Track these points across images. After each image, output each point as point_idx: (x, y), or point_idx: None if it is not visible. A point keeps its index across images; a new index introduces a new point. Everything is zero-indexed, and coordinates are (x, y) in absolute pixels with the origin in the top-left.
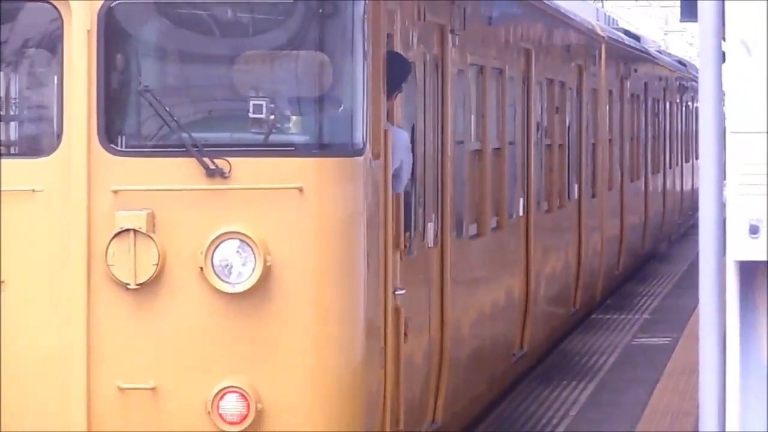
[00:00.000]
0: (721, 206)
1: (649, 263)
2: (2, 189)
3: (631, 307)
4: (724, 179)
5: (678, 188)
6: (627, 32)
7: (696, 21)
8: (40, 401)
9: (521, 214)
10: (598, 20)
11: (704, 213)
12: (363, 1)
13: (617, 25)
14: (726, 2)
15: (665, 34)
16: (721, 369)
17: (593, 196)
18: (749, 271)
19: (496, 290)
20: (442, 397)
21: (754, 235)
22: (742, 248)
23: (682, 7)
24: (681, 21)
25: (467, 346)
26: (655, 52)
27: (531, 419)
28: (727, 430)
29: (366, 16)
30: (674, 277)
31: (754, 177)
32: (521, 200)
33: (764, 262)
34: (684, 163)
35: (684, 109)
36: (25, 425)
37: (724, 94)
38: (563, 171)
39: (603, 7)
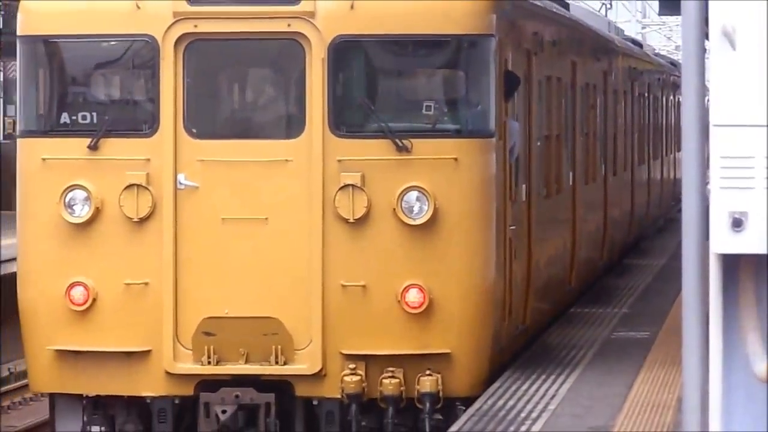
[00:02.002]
0: (704, 199)
1: (629, 256)
2: (268, 159)
3: (610, 301)
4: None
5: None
6: (633, 41)
7: (674, 15)
8: (291, 296)
9: (570, 184)
10: (610, 31)
11: (687, 206)
12: (493, 39)
13: (624, 34)
14: None
15: (643, 27)
16: (703, 362)
17: (614, 174)
18: (732, 264)
19: (558, 238)
20: (530, 307)
21: (737, 229)
22: (725, 241)
23: (660, 2)
24: (659, 15)
25: (543, 274)
26: (653, 56)
27: (511, 412)
28: (710, 422)
29: (494, 48)
30: (654, 269)
31: (737, 170)
32: (570, 174)
33: (747, 255)
34: (677, 153)
35: (678, 104)
36: (281, 311)
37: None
38: (596, 154)
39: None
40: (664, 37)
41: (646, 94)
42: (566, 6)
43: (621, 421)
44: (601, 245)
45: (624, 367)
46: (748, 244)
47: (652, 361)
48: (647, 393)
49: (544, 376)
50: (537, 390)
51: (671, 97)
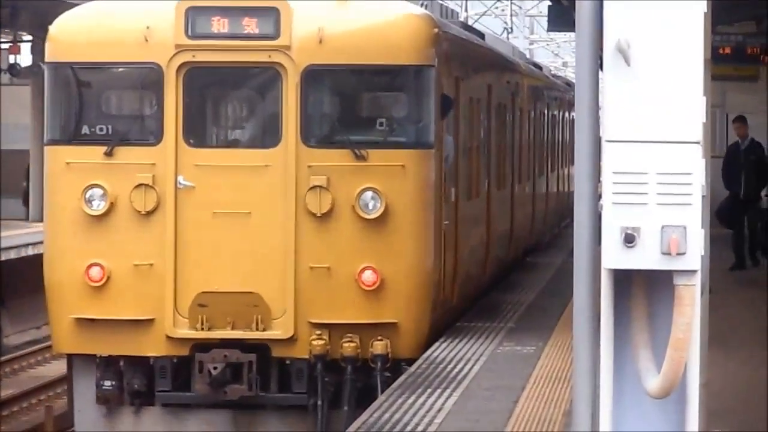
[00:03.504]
0: (596, 214)
1: (515, 272)
2: (252, 164)
3: (496, 315)
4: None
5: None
6: (535, 64)
7: (563, 31)
8: (269, 275)
9: (486, 189)
10: (514, 55)
11: (579, 220)
12: (433, 68)
13: (527, 57)
14: (604, 12)
15: (531, 44)
16: (594, 377)
17: (519, 182)
18: (624, 279)
19: (477, 234)
20: (457, 289)
21: (629, 244)
22: (617, 257)
23: (549, 18)
24: (548, 31)
25: (466, 263)
26: (552, 77)
27: (397, 426)
28: None
29: (434, 76)
30: (540, 284)
31: (629, 186)
32: (486, 181)
33: (639, 270)
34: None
35: (573, 121)
36: (261, 287)
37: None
38: (506, 165)
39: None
40: (551, 53)
41: (546, 112)
42: (482, 36)
43: None
44: (509, 243)
45: (510, 382)
46: (640, 259)
47: (538, 376)
48: (533, 408)
49: (430, 390)
50: (423, 403)
51: (566, 115)
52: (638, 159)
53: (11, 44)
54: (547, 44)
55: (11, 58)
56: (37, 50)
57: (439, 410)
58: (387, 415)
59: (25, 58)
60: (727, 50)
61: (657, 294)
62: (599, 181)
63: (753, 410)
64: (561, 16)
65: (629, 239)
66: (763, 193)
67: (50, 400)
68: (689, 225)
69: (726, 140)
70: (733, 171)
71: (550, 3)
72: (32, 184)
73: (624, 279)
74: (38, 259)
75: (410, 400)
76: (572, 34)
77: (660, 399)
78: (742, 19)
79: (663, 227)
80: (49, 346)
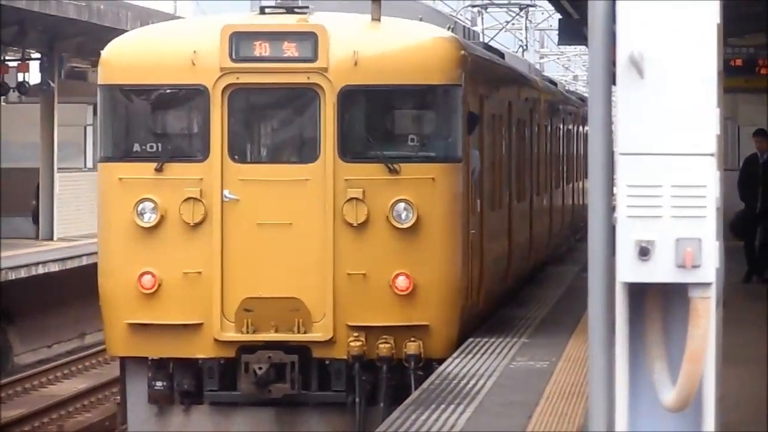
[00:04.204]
0: (610, 227)
1: (527, 287)
2: (292, 179)
3: (509, 330)
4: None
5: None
6: (550, 80)
7: (573, 45)
8: (310, 281)
9: (507, 201)
10: (531, 72)
11: (593, 234)
12: (460, 88)
13: (543, 73)
14: (617, 24)
15: (541, 57)
16: (610, 390)
17: (537, 194)
18: (639, 292)
19: (500, 243)
20: (482, 294)
21: (643, 257)
22: (632, 270)
23: (559, 31)
24: (559, 45)
25: (491, 270)
26: (566, 93)
27: None
28: None
29: (461, 95)
30: (552, 300)
31: (643, 199)
32: (507, 193)
33: (654, 283)
34: (585, 180)
35: (586, 135)
36: (302, 293)
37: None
38: (525, 178)
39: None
40: (561, 67)
41: (561, 126)
42: (502, 55)
43: None
44: (528, 252)
45: (523, 398)
46: (654, 272)
47: (551, 391)
48: (547, 424)
49: (443, 406)
50: (437, 420)
51: (580, 129)
52: (652, 171)
53: (20, 62)
54: (558, 58)
55: (20, 76)
56: (45, 68)
57: (453, 426)
58: (401, 430)
59: (33, 75)
60: (738, 62)
61: (672, 307)
62: (613, 194)
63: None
64: (571, 30)
65: (644, 252)
66: None
67: (62, 419)
68: (704, 237)
69: (738, 153)
70: (752, 184)
71: (560, 17)
72: (42, 203)
73: (639, 292)
74: (48, 278)
75: (423, 417)
76: (583, 48)
77: (676, 412)
78: (752, 31)
79: (678, 240)
80: (61, 365)
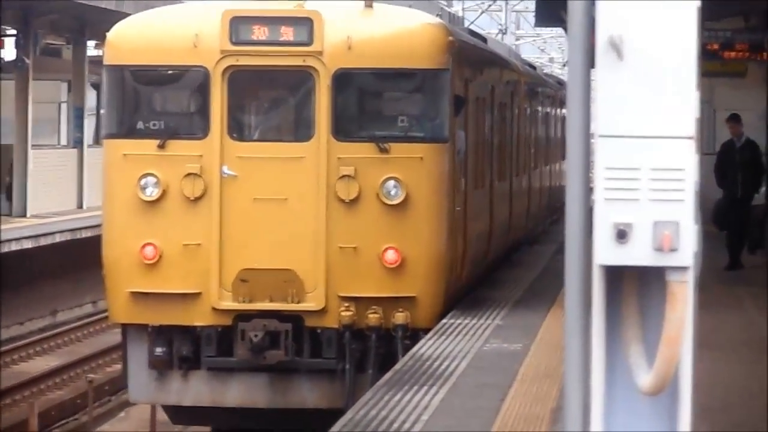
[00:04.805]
0: (588, 210)
1: (499, 270)
2: (288, 156)
3: (482, 313)
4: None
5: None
6: (530, 64)
7: (550, 27)
8: (303, 254)
9: (489, 180)
10: (510, 56)
11: (571, 216)
12: (448, 71)
13: (522, 58)
14: (596, 7)
15: (517, 39)
16: (585, 374)
17: (517, 175)
18: (616, 275)
19: (482, 220)
20: (466, 268)
21: (621, 240)
22: (609, 253)
23: (536, 13)
24: (535, 26)
25: (474, 246)
26: (545, 76)
27: (383, 423)
28: None
29: (449, 78)
30: (526, 282)
31: (622, 182)
32: (489, 173)
33: (631, 266)
34: (562, 161)
35: (564, 118)
36: (296, 264)
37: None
38: (506, 159)
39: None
40: (537, 49)
41: (540, 109)
42: (485, 40)
43: None
44: (508, 230)
45: (497, 379)
46: (632, 255)
47: (525, 373)
48: (520, 406)
49: (416, 387)
50: (410, 401)
51: (558, 112)
52: (631, 154)
53: None
54: (534, 40)
55: None
56: (20, 45)
57: (426, 408)
58: (374, 412)
59: (8, 52)
60: (715, 46)
61: (649, 290)
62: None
63: (741, 408)
64: (548, 12)
65: (621, 235)
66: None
67: (33, 396)
68: (682, 221)
69: (714, 137)
70: (729, 170)
71: None
72: (15, 180)
73: (616, 275)
74: (21, 254)
75: (397, 397)
76: (559, 30)
77: (652, 395)
78: (730, 15)
79: (655, 223)
80: (34, 342)
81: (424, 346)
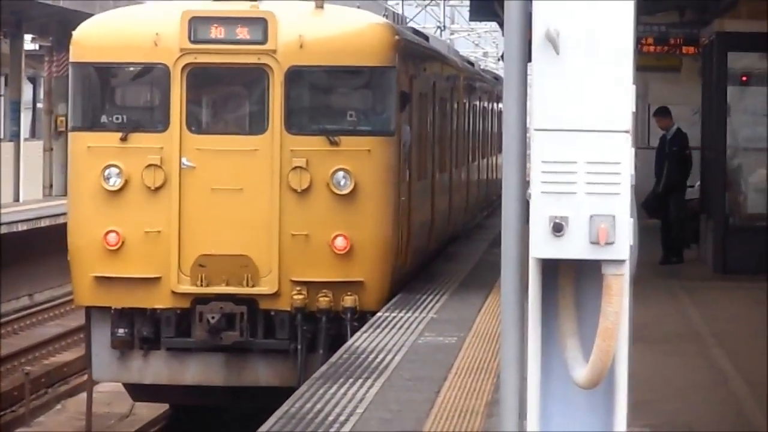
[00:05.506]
0: (524, 203)
1: (435, 262)
2: (243, 149)
3: (417, 306)
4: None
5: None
6: (468, 61)
7: (484, 21)
8: (258, 241)
9: (430, 172)
10: (449, 53)
11: (507, 209)
12: (395, 69)
13: (460, 54)
14: (533, 1)
15: (451, 33)
16: (521, 367)
17: (456, 167)
18: (552, 268)
19: (424, 210)
20: (410, 255)
21: (557, 233)
22: (545, 246)
23: (471, 7)
24: (470, 20)
25: (417, 234)
26: (482, 72)
27: (318, 416)
28: (527, 427)
29: (395, 75)
30: (460, 275)
31: (558, 175)
32: (430, 165)
33: (567, 260)
34: (499, 155)
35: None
36: (251, 250)
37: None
38: (446, 152)
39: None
40: (472, 44)
41: (477, 104)
42: (427, 38)
43: (429, 427)
44: (448, 219)
45: (432, 373)
46: (568, 249)
47: (459, 366)
48: (455, 398)
49: (351, 380)
50: (345, 393)
51: (495, 107)
52: (567, 148)
53: None
54: (468, 34)
55: None
56: None
57: (361, 400)
58: (309, 405)
59: None
60: (650, 40)
61: (585, 283)
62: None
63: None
64: (483, 6)
65: (557, 228)
66: (688, 185)
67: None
68: (618, 214)
69: (648, 131)
70: (659, 162)
71: None
72: None
73: (552, 268)
74: None
75: (332, 390)
76: (494, 24)
77: (588, 389)
78: (665, 9)
79: (591, 216)
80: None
81: (359, 339)
